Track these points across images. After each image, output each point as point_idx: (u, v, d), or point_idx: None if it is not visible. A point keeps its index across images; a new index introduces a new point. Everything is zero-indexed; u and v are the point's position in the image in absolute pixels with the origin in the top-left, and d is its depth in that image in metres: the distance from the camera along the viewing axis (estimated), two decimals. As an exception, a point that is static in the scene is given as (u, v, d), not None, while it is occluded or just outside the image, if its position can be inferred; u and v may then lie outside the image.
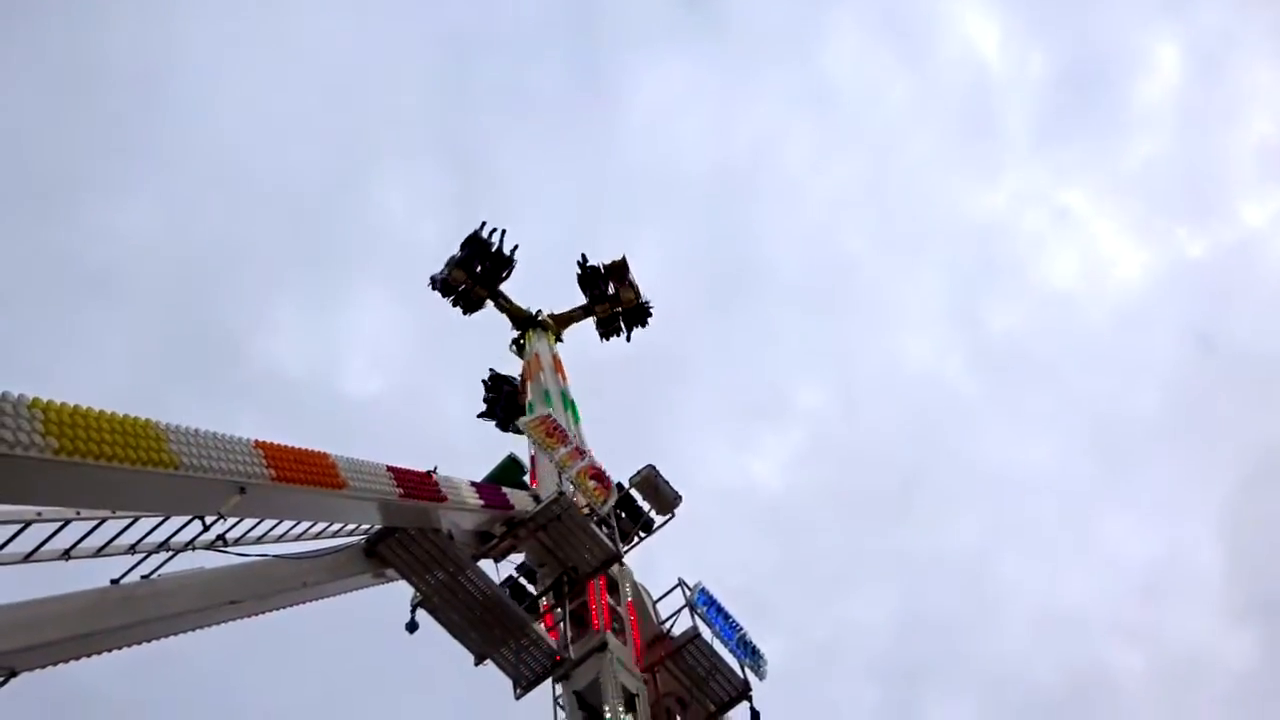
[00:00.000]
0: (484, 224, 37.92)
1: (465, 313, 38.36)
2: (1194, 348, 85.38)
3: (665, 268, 79.35)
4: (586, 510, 22.27)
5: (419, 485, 17.49)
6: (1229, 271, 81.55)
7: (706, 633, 22.26)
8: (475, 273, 37.48)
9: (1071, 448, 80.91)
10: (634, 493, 25.74)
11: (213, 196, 70.95)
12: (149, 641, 13.82)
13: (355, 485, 15.36)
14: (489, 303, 38.05)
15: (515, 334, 37.82)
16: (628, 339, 39.21)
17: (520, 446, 28.35)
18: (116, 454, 10.64)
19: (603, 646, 20.53)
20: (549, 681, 20.83)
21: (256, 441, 13.28)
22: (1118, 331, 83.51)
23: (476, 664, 20.81)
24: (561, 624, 21.56)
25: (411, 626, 19.86)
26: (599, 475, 23.20)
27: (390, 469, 16.67)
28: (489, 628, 20.17)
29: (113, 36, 70.57)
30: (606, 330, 39.38)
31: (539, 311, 38.06)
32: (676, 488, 25.89)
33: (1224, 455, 74.52)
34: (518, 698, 20.64)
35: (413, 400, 73.76)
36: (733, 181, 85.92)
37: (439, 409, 72.28)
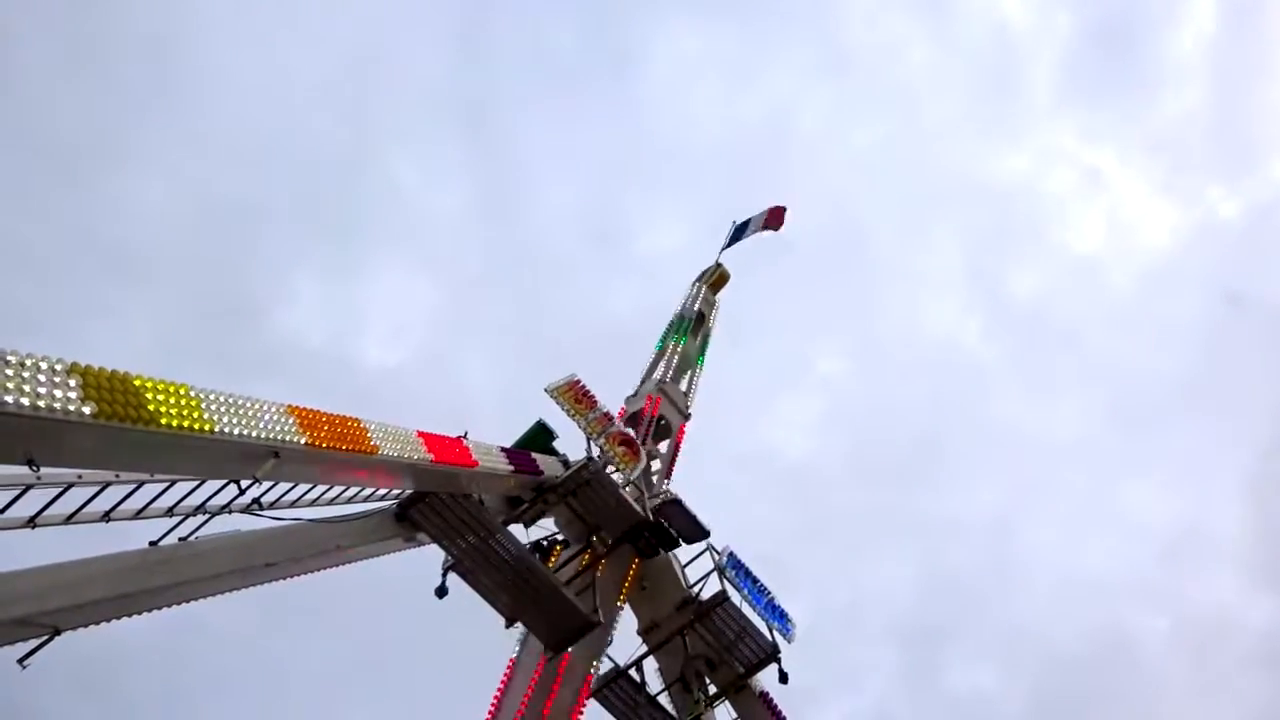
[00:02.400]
0: None
1: None
2: (1221, 308, 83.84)
3: (684, 235, 79.01)
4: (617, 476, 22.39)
5: (450, 450, 17.64)
6: (1260, 230, 79.83)
7: (735, 596, 22.41)
8: None
9: (1094, 411, 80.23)
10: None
11: (231, 166, 71.10)
12: (187, 602, 14.15)
13: (387, 450, 15.50)
14: None
15: None
16: None
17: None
18: (154, 418, 10.81)
19: None
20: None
21: (290, 406, 13.42)
22: (1143, 293, 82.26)
23: (508, 626, 21.07)
24: (591, 587, 21.75)
25: (441, 591, 20.08)
26: (628, 441, 23.28)
27: (421, 434, 16.81)
28: (519, 591, 20.38)
29: (131, 5, 70.59)
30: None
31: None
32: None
33: (1249, 418, 73.50)
34: (549, 660, 20.88)
35: (434, 369, 74.01)
36: (752, 147, 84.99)
37: (460, 378, 72.52)
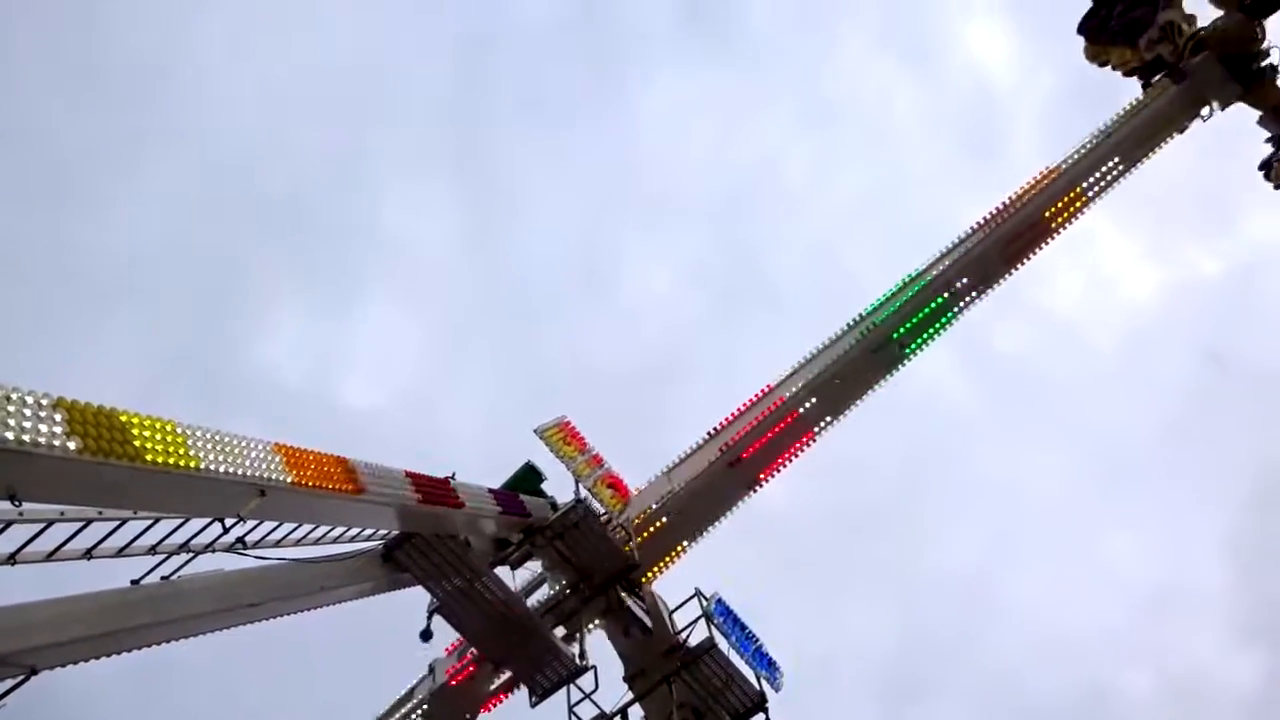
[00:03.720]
0: None
1: None
2: (1202, 367, 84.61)
3: (670, 281, 79.33)
4: (605, 518, 22.30)
5: (437, 490, 17.56)
6: (1240, 290, 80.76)
7: (723, 643, 22.18)
8: None
9: (1075, 466, 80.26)
10: None
11: (215, 201, 71.29)
12: (168, 642, 13.96)
13: (374, 490, 15.43)
14: None
15: None
16: None
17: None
18: (138, 454, 10.74)
19: None
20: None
21: (276, 444, 13.38)
22: (1124, 350, 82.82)
23: (494, 672, 20.85)
24: (581, 630, 21.56)
25: (426, 634, 19.90)
26: (616, 483, 23.22)
27: (408, 474, 16.75)
28: (505, 635, 20.17)
29: (119, 38, 71.13)
30: None
31: None
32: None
33: (1229, 475, 73.84)
34: (533, 705, 20.65)
35: (416, 409, 73.69)
36: (738, 195, 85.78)
37: (443, 419, 72.26)
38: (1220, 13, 27.75)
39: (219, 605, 14.57)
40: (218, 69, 73.86)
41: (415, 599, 19.76)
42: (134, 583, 13.47)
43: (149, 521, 13.13)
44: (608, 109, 78.39)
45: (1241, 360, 74.92)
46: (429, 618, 19.85)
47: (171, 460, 11.20)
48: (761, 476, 24.48)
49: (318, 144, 78.30)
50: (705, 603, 22.79)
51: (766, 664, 22.85)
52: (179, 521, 13.32)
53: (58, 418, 9.83)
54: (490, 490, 19.96)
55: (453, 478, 18.33)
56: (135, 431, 10.82)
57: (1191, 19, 28.01)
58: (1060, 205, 26.55)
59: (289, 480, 13.30)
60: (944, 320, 24.91)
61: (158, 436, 11.11)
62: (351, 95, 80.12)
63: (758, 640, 23.04)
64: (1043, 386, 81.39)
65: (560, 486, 22.55)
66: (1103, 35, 29.06)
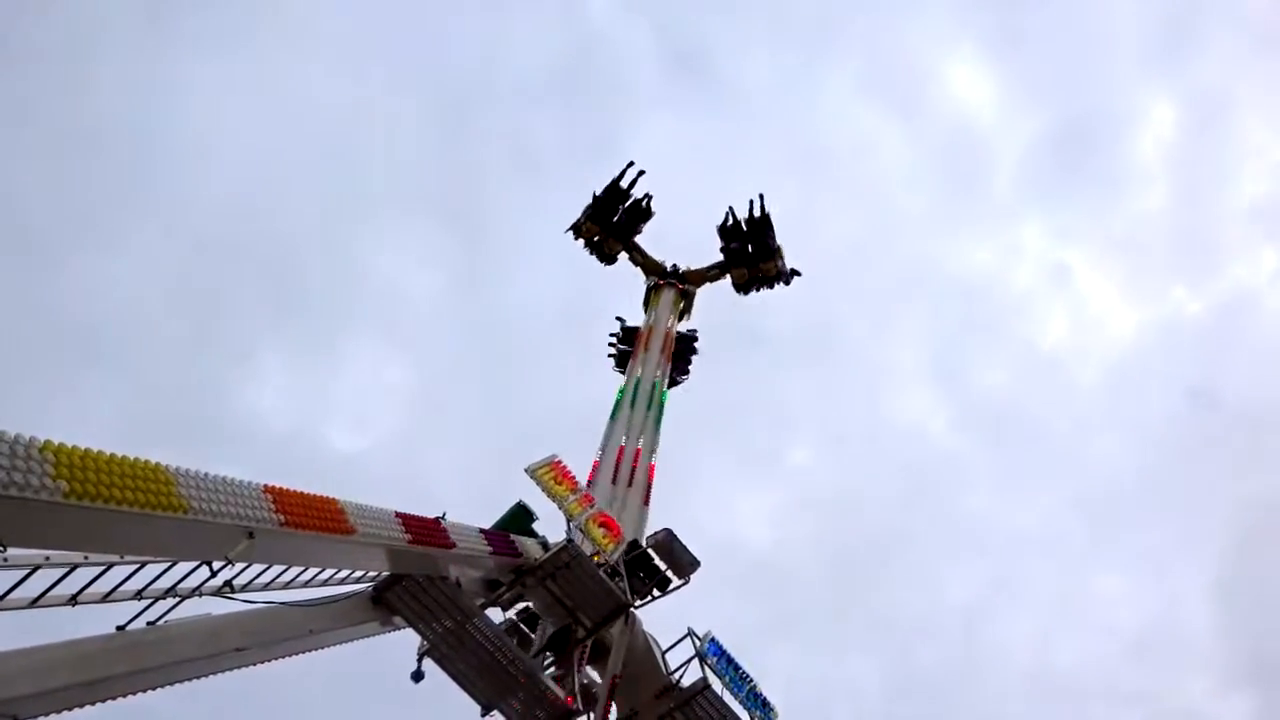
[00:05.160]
0: (630, 165, 36.54)
1: (602, 263, 37.07)
2: (1186, 406, 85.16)
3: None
4: (597, 560, 22.09)
5: (428, 531, 17.37)
6: (1223, 329, 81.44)
7: (717, 684, 21.93)
8: (610, 224, 36.21)
9: (1061, 506, 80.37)
10: (651, 552, 25.24)
11: (201, 250, 71.23)
12: (154, 689, 13.69)
13: (364, 531, 15.25)
14: (623, 255, 36.79)
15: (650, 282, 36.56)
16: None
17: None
18: (126, 497, 10.57)
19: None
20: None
21: (265, 486, 13.21)
22: (1109, 390, 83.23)
23: (483, 715, 20.55)
24: (572, 672, 21.29)
25: (417, 676, 19.65)
26: (607, 523, 23.03)
27: (399, 515, 16.57)
28: (496, 676, 19.92)
29: (102, 90, 71.27)
30: (745, 289, 37.81)
31: (674, 266, 36.72)
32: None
33: (1217, 514, 73.97)
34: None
35: (402, 454, 73.28)
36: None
37: (429, 465, 71.85)
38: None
39: (206, 650, 14.32)
40: (200, 120, 73.98)
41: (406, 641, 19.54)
42: (119, 628, 13.23)
43: (135, 565, 12.93)
44: (596, 156, 78.90)
45: (1224, 399, 75.40)
46: (419, 660, 19.61)
47: (160, 503, 11.03)
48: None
49: (306, 191, 78.56)
50: (698, 642, 22.57)
51: (760, 704, 22.58)
52: (166, 565, 13.12)
53: (44, 461, 9.67)
54: (481, 530, 19.78)
55: (443, 518, 18.16)
56: (123, 474, 10.65)
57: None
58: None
59: (278, 521, 13.11)
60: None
61: (146, 479, 10.95)
62: (340, 143, 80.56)
63: (751, 680, 22.78)
64: (1027, 425, 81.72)
65: (551, 526, 22.41)
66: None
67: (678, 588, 25.08)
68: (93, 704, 12.86)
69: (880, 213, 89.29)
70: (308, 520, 13.87)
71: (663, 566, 24.88)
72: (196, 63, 75.30)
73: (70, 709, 12.35)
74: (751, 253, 37.16)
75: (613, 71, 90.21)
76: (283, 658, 16.24)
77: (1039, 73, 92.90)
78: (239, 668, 15.30)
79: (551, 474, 22.58)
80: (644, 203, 36.78)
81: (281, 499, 13.37)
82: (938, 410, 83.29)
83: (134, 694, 13.35)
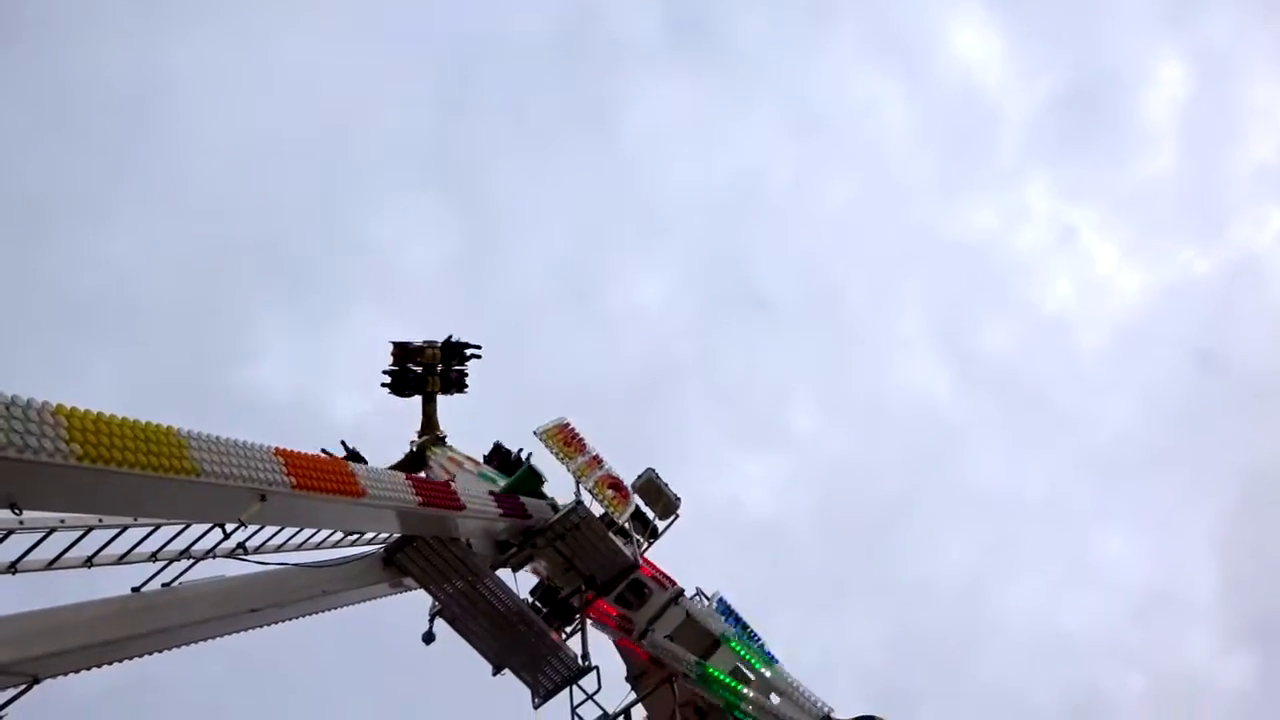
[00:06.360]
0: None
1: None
2: (1192, 367, 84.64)
3: (660, 292, 79.42)
4: (605, 520, 22.26)
5: (437, 494, 17.51)
6: (1230, 291, 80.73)
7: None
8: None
9: (1065, 469, 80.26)
10: (637, 498, 25.30)
11: (200, 220, 70.98)
12: (170, 649, 13.85)
13: (374, 493, 15.38)
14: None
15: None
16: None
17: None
18: (139, 460, 10.69)
19: None
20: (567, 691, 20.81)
21: (277, 449, 13.32)
22: (1114, 352, 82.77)
23: (495, 674, 20.79)
24: (580, 633, 21.53)
25: (428, 637, 19.85)
26: (616, 484, 23.17)
27: (409, 477, 16.70)
28: (507, 637, 20.14)
29: (96, 59, 70.73)
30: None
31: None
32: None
33: (1221, 475, 73.94)
34: (536, 707, 20.62)
35: (403, 424, 73.34)
36: (726, 205, 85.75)
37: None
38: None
39: (220, 611, 14.47)
40: (197, 90, 73.55)
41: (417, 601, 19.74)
42: (135, 590, 13.40)
43: (149, 528, 13.09)
44: (596, 123, 78.48)
45: (1231, 360, 75.16)
46: (431, 621, 19.81)
47: (172, 466, 11.14)
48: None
49: (302, 162, 78.23)
50: (707, 601, 22.77)
51: (768, 662, 22.76)
52: (180, 528, 13.27)
53: (57, 425, 9.77)
54: (491, 492, 19.92)
55: (453, 480, 18.29)
56: (135, 437, 10.75)
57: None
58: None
59: (290, 484, 13.23)
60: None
61: (158, 442, 11.05)
62: (340, 112, 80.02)
63: (759, 638, 22.99)
64: (1031, 389, 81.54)
65: (561, 489, 22.54)
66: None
67: (666, 528, 25.05)
68: (110, 664, 13.05)
69: (883, 176, 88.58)
70: (319, 482, 14.00)
71: (650, 515, 24.99)
72: (194, 31, 74.74)
73: (88, 668, 12.56)
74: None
75: (611, 35, 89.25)
76: (297, 618, 16.43)
77: (1044, 32, 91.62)
78: (254, 628, 15.49)
79: (560, 436, 22.69)
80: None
81: (293, 461, 13.49)
82: (941, 373, 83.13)
83: (150, 654, 13.53)
